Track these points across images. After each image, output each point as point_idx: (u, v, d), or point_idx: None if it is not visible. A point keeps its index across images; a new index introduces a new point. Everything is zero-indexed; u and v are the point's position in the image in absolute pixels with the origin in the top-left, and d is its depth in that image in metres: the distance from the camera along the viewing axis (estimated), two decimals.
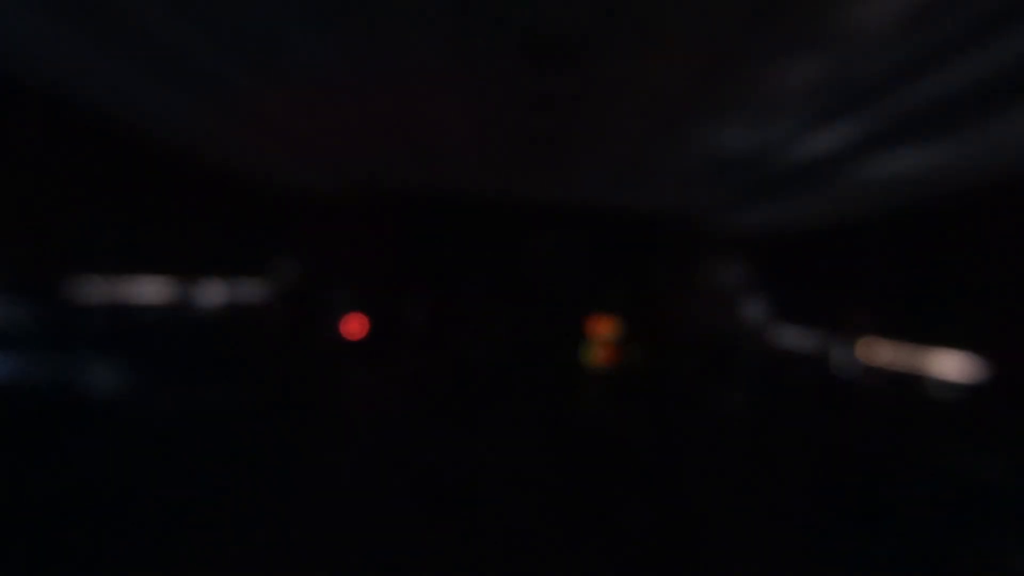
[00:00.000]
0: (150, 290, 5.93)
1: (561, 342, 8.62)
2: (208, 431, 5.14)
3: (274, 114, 4.52)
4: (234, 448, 4.85)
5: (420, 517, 3.93)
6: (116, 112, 4.63)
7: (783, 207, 6.92)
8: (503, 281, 8.95)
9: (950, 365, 5.58)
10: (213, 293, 7.21)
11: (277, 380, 7.11)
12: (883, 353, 6.84)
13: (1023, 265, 4.66)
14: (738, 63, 3.08)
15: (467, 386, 7.74)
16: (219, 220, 7.15)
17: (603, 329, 8.48)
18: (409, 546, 3.57)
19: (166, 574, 3.10)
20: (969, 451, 4.91)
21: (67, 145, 4.69)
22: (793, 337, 9.02)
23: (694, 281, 9.36)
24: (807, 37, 2.76)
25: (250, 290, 8.14)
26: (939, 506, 4.36)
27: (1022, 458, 4.49)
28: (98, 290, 5.19)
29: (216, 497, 3.93)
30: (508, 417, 6.41)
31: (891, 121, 3.75)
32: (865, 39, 2.74)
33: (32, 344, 4.58)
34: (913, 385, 6.15)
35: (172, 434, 4.94)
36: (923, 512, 4.29)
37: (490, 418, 6.36)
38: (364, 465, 4.78)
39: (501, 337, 8.76)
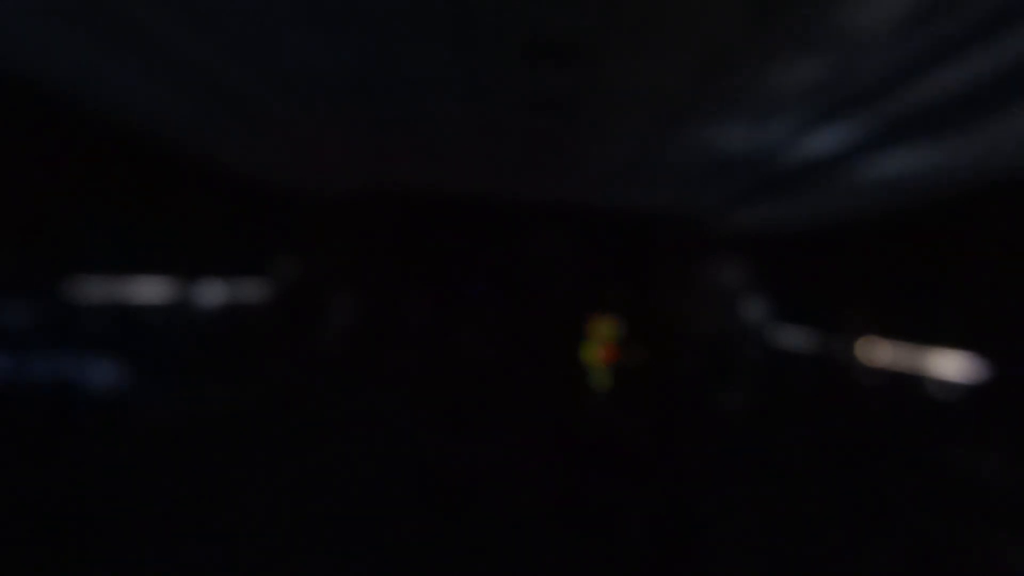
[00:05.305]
0: (150, 290, 5.94)
1: (561, 342, 8.61)
2: (208, 431, 5.14)
3: (275, 115, 4.52)
4: (234, 448, 4.85)
5: (419, 517, 3.94)
6: (117, 112, 4.64)
7: (783, 207, 6.92)
8: (504, 281, 8.95)
9: (950, 365, 5.59)
10: (213, 293, 7.21)
11: (277, 380, 7.11)
12: (883, 353, 6.85)
13: (1022, 265, 4.66)
14: (738, 63, 3.08)
15: (467, 385, 7.74)
16: (219, 220, 7.15)
17: (603, 329, 8.47)
18: (409, 546, 3.57)
19: (166, 575, 3.10)
20: (969, 450, 4.92)
21: (67, 145, 4.69)
22: (793, 337, 9.02)
23: (694, 281, 9.36)
24: (807, 37, 2.76)
25: (250, 290, 8.14)
26: (939, 506, 4.36)
27: (1022, 458, 4.49)
28: (98, 290, 5.19)
29: (215, 497, 3.93)
30: (507, 417, 6.42)
31: (891, 121, 3.75)
32: (865, 39, 2.75)
33: (32, 344, 4.58)
34: (913, 385, 6.15)
35: (172, 434, 4.94)
36: (923, 512, 4.29)
37: (489, 417, 6.37)
38: (364, 465, 4.78)
39: (501, 337, 8.76)
